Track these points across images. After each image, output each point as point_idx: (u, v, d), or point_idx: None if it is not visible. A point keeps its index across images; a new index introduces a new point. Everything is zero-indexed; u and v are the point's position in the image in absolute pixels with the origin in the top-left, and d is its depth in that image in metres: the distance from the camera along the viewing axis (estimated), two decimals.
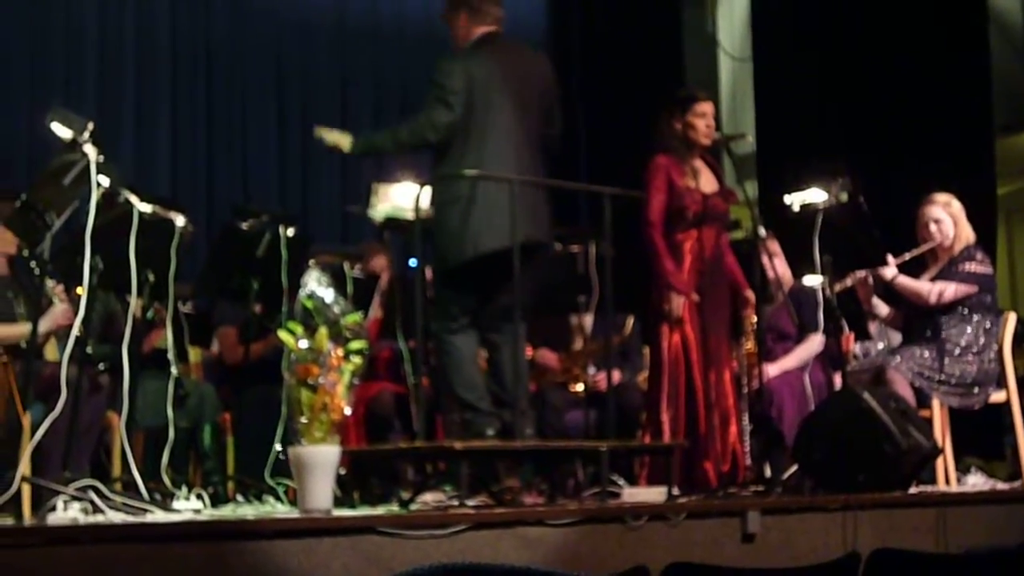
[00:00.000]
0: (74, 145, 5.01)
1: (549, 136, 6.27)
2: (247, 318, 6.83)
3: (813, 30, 11.09)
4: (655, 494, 5.68)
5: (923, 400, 6.66)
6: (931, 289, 6.86)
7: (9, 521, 4.50)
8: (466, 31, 6.20)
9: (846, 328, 7.29)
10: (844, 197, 6.80)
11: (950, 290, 6.84)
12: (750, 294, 6.58)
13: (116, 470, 6.25)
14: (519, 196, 5.79)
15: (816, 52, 10.99)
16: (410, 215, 6.05)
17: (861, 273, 7.01)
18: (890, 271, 6.91)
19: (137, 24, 10.51)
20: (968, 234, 7.01)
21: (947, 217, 7.00)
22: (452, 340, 5.98)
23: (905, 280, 6.92)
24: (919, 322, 6.96)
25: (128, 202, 5.41)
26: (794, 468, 6.28)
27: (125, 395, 5.38)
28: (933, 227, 6.99)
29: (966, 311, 6.87)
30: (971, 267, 6.89)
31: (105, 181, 5.16)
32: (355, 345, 4.71)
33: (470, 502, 4.98)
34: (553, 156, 6.44)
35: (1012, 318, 7.03)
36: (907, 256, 6.97)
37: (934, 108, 10.06)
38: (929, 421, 6.49)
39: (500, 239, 5.83)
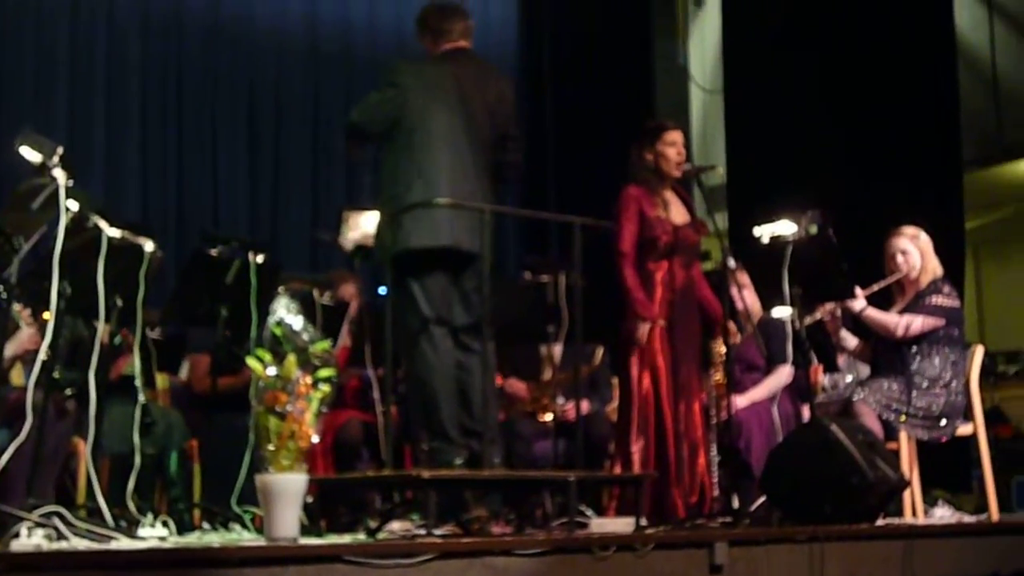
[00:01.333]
0: (43, 169, 4.99)
1: (507, 163, 6.28)
2: (219, 346, 6.80)
3: (784, 63, 11.14)
4: (623, 525, 5.68)
5: (891, 432, 6.67)
6: (898, 322, 6.88)
7: None
8: (433, 51, 6.29)
9: (814, 360, 7.31)
10: (813, 230, 6.81)
11: (917, 323, 6.86)
12: (731, 325, 6.61)
13: (81, 496, 6.21)
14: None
15: (787, 84, 11.03)
16: None
17: (830, 306, 7.02)
18: (859, 304, 6.93)
19: (108, 47, 10.48)
20: (935, 267, 7.04)
21: (914, 249, 7.03)
22: (417, 347, 5.98)
23: (873, 313, 6.94)
24: (887, 355, 6.98)
25: (97, 227, 5.38)
26: (762, 499, 6.29)
27: (91, 421, 5.35)
28: (900, 258, 7.02)
29: (934, 344, 6.89)
30: (938, 300, 6.91)
31: (74, 205, 5.13)
32: (324, 373, 4.69)
33: (437, 531, 4.97)
34: (512, 183, 6.46)
35: (979, 351, 7.05)
36: (875, 288, 6.99)
37: (903, 142, 10.11)
38: (896, 453, 6.50)
39: (428, 239, 5.87)
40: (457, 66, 6.19)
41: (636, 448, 6.42)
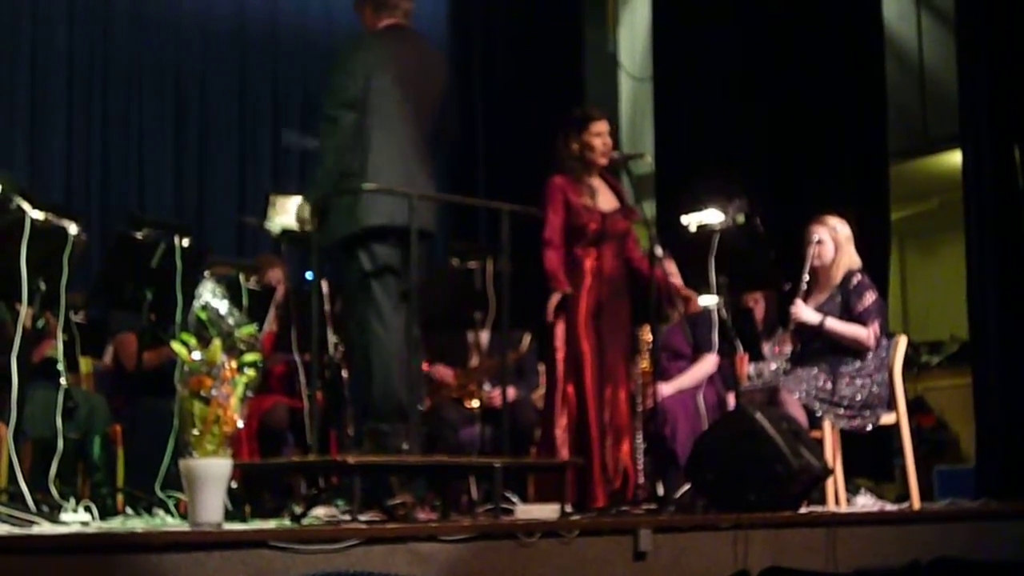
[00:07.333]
0: None
1: (443, 132, 6.27)
2: (144, 330, 6.75)
3: (713, 52, 11.17)
4: (548, 511, 5.69)
5: (815, 421, 6.71)
6: (869, 334, 6.84)
7: None
8: (372, 23, 6.21)
9: (740, 349, 7.34)
10: (740, 219, 6.84)
11: (877, 327, 6.87)
12: (689, 293, 6.64)
13: (2, 481, 6.15)
14: (408, 183, 5.82)
15: (716, 74, 11.07)
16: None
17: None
18: (813, 316, 6.88)
19: (33, 28, 10.37)
20: (850, 261, 7.01)
21: (829, 240, 6.99)
22: (369, 327, 5.92)
23: (837, 325, 6.86)
24: (812, 345, 7.00)
25: (20, 209, 5.34)
26: (686, 487, 6.32)
27: (13, 405, 5.30)
28: (813, 247, 7.00)
29: None
30: (872, 297, 6.91)
31: None
32: (249, 357, 4.67)
33: (362, 517, 4.96)
34: (441, 156, 6.42)
35: (903, 341, 7.09)
36: (804, 287, 6.95)
37: (831, 132, 10.16)
38: (820, 442, 6.54)
39: (386, 217, 5.82)
40: (399, 44, 6.14)
41: (560, 434, 6.43)
